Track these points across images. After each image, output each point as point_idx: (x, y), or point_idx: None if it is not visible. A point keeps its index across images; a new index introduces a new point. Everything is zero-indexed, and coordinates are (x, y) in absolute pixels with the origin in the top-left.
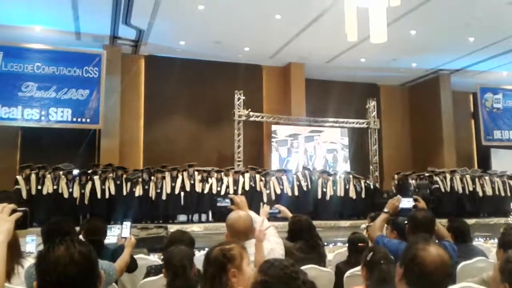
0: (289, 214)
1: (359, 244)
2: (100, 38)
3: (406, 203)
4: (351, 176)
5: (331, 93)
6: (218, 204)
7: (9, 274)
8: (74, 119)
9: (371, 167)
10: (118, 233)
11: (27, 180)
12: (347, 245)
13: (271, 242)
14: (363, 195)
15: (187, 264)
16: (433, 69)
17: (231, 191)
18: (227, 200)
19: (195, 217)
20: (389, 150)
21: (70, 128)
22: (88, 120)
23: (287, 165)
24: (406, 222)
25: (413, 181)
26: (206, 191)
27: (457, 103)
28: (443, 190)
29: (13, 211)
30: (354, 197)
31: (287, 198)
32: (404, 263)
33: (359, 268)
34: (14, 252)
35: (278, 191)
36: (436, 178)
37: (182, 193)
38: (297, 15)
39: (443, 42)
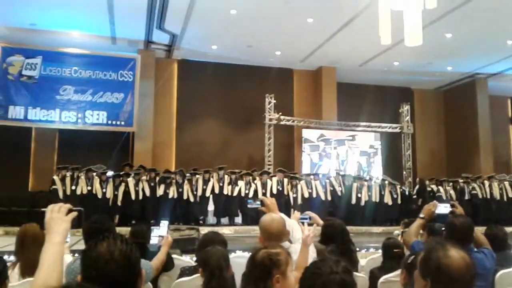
0: (320, 221)
1: (394, 250)
2: (134, 43)
3: (443, 208)
4: (386, 182)
5: (363, 97)
6: (249, 205)
7: None
8: (109, 122)
9: (404, 172)
10: (159, 234)
11: (63, 180)
12: (380, 251)
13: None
14: (399, 201)
15: (223, 264)
16: (469, 73)
17: (260, 194)
18: (258, 202)
19: (225, 220)
20: (423, 156)
21: (105, 130)
22: (122, 123)
23: (319, 169)
24: (443, 228)
25: (449, 188)
26: (235, 194)
27: (494, 108)
28: (480, 196)
29: (69, 210)
30: (390, 203)
31: (317, 203)
32: (429, 274)
33: (394, 274)
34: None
35: (306, 195)
36: (474, 184)
37: (211, 196)
38: (329, 18)
39: (480, 46)
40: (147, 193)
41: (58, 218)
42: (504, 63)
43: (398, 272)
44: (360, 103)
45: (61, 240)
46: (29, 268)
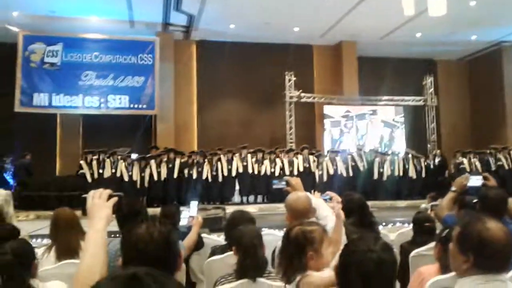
0: (340, 199)
1: (425, 224)
2: (152, 26)
3: (475, 181)
4: (410, 155)
5: (385, 71)
6: (274, 186)
7: (77, 251)
8: (131, 106)
9: (428, 145)
10: (188, 215)
11: (89, 164)
12: (407, 225)
13: (331, 221)
14: (423, 175)
15: (257, 243)
16: (495, 41)
17: (287, 172)
18: (283, 182)
19: (250, 198)
20: (447, 128)
21: (128, 114)
22: (144, 106)
23: (340, 146)
24: (474, 201)
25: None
26: (262, 173)
27: None
28: (506, 167)
29: (109, 196)
30: (414, 176)
31: (340, 179)
32: (470, 249)
33: (425, 247)
34: (78, 231)
35: (332, 172)
36: (500, 156)
37: (236, 175)
38: None
39: (506, 12)
40: (175, 174)
41: (99, 204)
42: None
43: (430, 245)
44: (382, 77)
45: (104, 226)
46: (64, 251)
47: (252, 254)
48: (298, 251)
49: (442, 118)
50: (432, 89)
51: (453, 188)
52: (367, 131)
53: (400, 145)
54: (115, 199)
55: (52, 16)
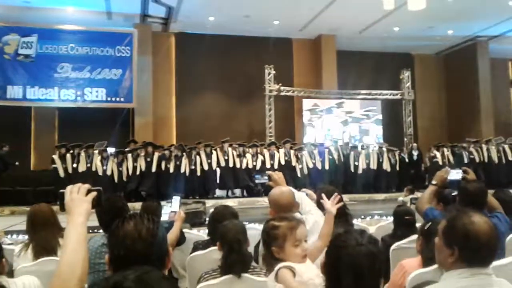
0: (314, 196)
1: (406, 217)
2: (130, 17)
3: (455, 174)
4: (384, 148)
5: (363, 64)
6: (257, 181)
7: (55, 249)
8: (109, 99)
9: (405, 139)
10: (169, 210)
11: (63, 159)
12: (385, 218)
13: (314, 215)
14: (397, 168)
15: (241, 238)
16: (470, 36)
17: (268, 166)
18: (265, 177)
19: (232, 192)
20: (424, 121)
21: (105, 107)
22: (122, 99)
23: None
24: (453, 194)
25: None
26: (243, 166)
27: (495, 71)
28: (477, 160)
29: (88, 191)
30: (388, 169)
31: (319, 173)
32: (456, 242)
33: (406, 240)
34: (56, 228)
35: (311, 165)
36: (471, 149)
37: (218, 169)
38: None
39: (482, 7)
40: (154, 168)
41: (78, 199)
42: (505, 25)
43: (411, 238)
44: (361, 71)
45: (84, 221)
46: (41, 248)
47: (237, 249)
48: (265, 246)
49: (419, 111)
50: (409, 83)
51: (433, 182)
52: (344, 125)
53: (372, 139)
54: (94, 193)
55: (27, 6)
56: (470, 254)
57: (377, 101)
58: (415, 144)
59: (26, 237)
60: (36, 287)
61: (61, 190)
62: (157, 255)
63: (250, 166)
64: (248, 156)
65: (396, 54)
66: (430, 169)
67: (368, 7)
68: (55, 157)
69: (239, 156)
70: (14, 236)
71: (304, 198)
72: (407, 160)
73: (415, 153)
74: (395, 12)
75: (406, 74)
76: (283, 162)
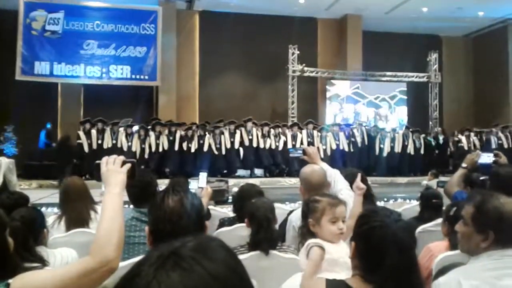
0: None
1: (433, 200)
2: None
3: (486, 158)
4: (410, 131)
5: (389, 46)
6: (291, 154)
7: (87, 220)
8: (133, 76)
9: (430, 123)
10: (196, 186)
11: (88, 134)
12: (409, 201)
13: (344, 195)
14: (422, 151)
15: (270, 216)
16: (501, 18)
17: (289, 147)
18: (300, 151)
19: (256, 171)
20: (450, 105)
21: (129, 85)
22: (146, 77)
23: (341, 120)
24: (482, 178)
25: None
26: (267, 146)
27: None
28: (506, 146)
29: (123, 162)
30: (412, 153)
31: (342, 154)
32: (490, 226)
33: (432, 223)
34: (88, 201)
35: (334, 147)
36: (500, 135)
37: (241, 148)
38: None
39: None
40: (176, 146)
41: (114, 170)
42: None
43: (437, 222)
44: (387, 52)
45: (120, 191)
46: (74, 220)
47: (265, 227)
48: (303, 218)
49: (446, 95)
50: (437, 65)
51: (463, 165)
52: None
53: (396, 122)
54: (128, 165)
55: None
56: (505, 236)
57: (402, 84)
58: (440, 128)
59: (55, 209)
60: (73, 259)
61: (97, 161)
62: (198, 229)
63: (273, 146)
64: (272, 136)
65: (424, 36)
66: (455, 153)
67: None
68: (80, 132)
69: (263, 136)
70: (43, 208)
71: (337, 176)
72: (433, 143)
73: (440, 137)
74: None
75: (433, 56)
76: (305, 143)
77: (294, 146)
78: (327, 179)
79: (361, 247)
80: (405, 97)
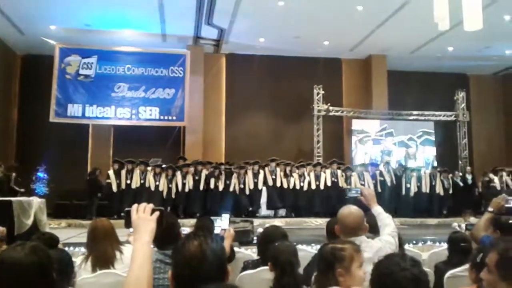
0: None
1: (461, 244)
2: (184, 39)
3: None
4: (438, 171)
5: (415, 85)
6: (348, 195)
7: (112, 260)
8: (162, 117)
9: (460, 162)
10: (219, 226)
11: (117, 174)
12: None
13: (382, 241)
14: (450, 191)
15: (294, 260)
16: None
17: (313, 187)
18: (356, 191)
19: (279, 212)
20: (480, 144)
21: (158, 125)
22: (174, 118)
23: (367, 160)
24: (510, 221)
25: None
26: (290, 186)
27: None
28: None
29: (153, 210)
30: (441, 193)
31: None
32: None
33: (461, 268)
34: (114, 241)
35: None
36: None
37: (264, 188)
38: (379, 5)
39: None
40: (201, 186)
41: (145, 218)
42: None
43: (466, 266)
44: (412, 91)
45: (149, 240)
46: (100, 261)
47: (289, 271)
48: (327, 268)
49: (475, 134)
50: (464, 104)
51: (490, 209)
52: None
53: (423, 161)
54: (157, 213)
55: (88, 29)
56: None
57: (429, 123)
58: (469, 168)
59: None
60: None
61: (127, 209)
62: (219, 274)
63: (298, 186)
64: (295, 175)
65: (450, 74)
66: (485, 194)
67: (421, 27)
68: (110, 172)
69: (286, 176)
70: (71, 248)
71: (388, 221)
72: (461, 184)
73: (469, 177)
74: (448, 32)
75: (460, 95)
76: (329, 183)
77: (308, 189)
78: (364, 222)
79: None
80: (432, 137)
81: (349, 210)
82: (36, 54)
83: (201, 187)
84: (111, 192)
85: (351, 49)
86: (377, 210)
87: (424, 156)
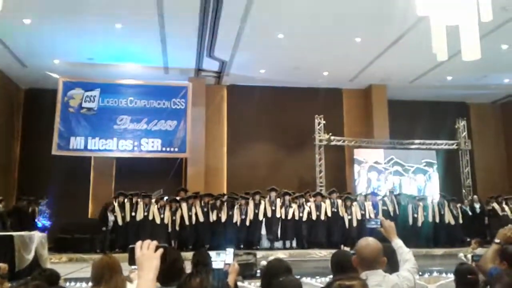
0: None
1: (468, 276)
2: (186, 71)
3: None
4: (446, 200)
5: (416, 114)
6: (368, 226)
7: None
8: (164, 149)
9: (463, 190)
10: (222, 260)
11: (121, 207)
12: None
13: (399, 277)
14: (460, 221)
15: None
16: None
17: (313, 217)
18: (373, 222)
19: (279, 243)
20: (482, 172)
21: (160, 157)
22: (176, 149)
23: (372, 190)
24: None
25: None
26: (289, 217)
27: None
28: None
29: (157, 247)
30: (452, 222)
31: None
32: None
33: None
34: (119, 277)
35: (359, 217)
36: None
37: (264, 219)
38: (378, 36)
39: None
40: (200, 218)
41: (149, 255)
42: None
43: None
44: (413, 120)
45: (153, 277)
46: None
47: None
48: None
49: (477, 162)
50: (465, 132)
51: (496, 240)
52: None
53: (431, 190)
54: (161, 250)
55: (90, 63)
56: None
57: (431, 152)
58: (476, 196)
59: (84, 284)
60: None
61: (131, 246)
62: None
63: (297, 217)
64: (294, 206)
65: (450, 103)
66: (495, 223)
67: (419, 57)
68: (116, 205)
69: (283, 206)
70: (73, 283)
71: (408, 256)
72: (469, 212)
73: (477, 205)
74: (447, 62)
75: (461, 124)
76: (329, 214)
77: (370, 217)
78: (381, 255)
79: None
80: (423, 166)
81: (367, 242)
82: (39, 87)
83: (211, 219)
84: (116, 225)
85: (351, 80)
86: (398, 243)
87: (417, 184)
